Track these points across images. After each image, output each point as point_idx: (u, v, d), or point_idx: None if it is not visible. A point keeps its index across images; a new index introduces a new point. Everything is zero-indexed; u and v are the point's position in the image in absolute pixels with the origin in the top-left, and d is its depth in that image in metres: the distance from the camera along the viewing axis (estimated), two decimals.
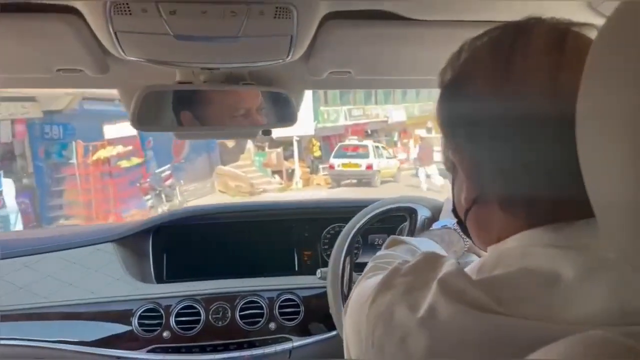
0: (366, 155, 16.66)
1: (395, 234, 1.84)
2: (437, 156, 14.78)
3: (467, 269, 0.54)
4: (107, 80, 1.11)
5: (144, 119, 1.08)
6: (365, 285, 0.59)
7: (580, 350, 0.37)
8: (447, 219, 1.29)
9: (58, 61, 0.98)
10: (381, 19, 0.88)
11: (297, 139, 17.36)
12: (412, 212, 1.62)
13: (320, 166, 18.85)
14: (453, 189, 0.61)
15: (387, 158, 17.73)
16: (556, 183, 0.48)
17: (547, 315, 0.44)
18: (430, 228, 1.34)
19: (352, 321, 0.57)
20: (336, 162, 16.86)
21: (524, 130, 0.48)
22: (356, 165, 16.55)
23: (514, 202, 0.52)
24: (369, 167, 16.49)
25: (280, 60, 0.96)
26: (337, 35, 0.91)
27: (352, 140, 18.49)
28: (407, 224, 1.70)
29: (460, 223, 0.62)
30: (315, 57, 1.01)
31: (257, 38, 0.86)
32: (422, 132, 24.06)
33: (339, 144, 18.09)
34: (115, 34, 0.82)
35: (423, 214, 1.60)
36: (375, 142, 19.10)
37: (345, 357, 0.61)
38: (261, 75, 1.13)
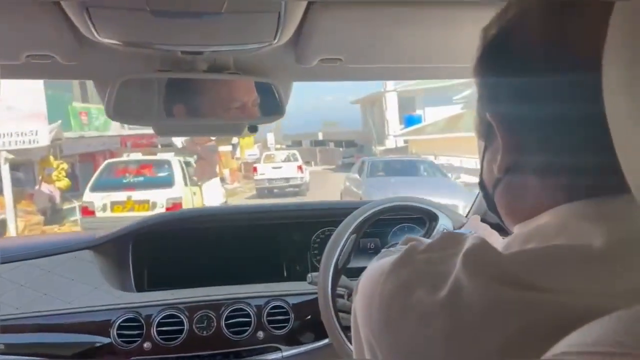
0: (165, 182, 9.44)
1: (387, 240, 1.79)
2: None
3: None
4: (80, 70, 1.04)
5: (120, 109, 1.01)
6: (379, 263, 0.53)
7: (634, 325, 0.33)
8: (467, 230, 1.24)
9: (27, 46, 0.90)
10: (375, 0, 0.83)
11: (9, 156, 9.27)
12: (433, 218, 1.56)
13: (76, 204, 10.93)
14: (483, 157, 0.57)
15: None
16: (604, 154, 0.43)
17: (588, 290, 0.40)
18: None
19: (362, 300, 0.52)
20: (97, 200, 9.17)
21: (575, 95, 0.45)
22: (143, 205, 9.01)
23: (557, 171, 0.48)
24: (176, 205, 8.89)
25: (267, 44, 0.90)
26: (328, 17, 0.85)
27: (134, 156, 11.14)
28: (420, 230, 1.63)
29: (487, 197, 0.58)
30: (303, 42, 0.94)
31: (242, 15, 0.80)
32: (226, 148, 23.45)
33: (107, 162, 10.69)
34: (87, 9, 0.75)
35: (444, 223, 1.54)
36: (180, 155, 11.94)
37: (353, 339, 0.56)
38: (246, 64, 1.06)
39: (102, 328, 1.44)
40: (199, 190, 10.19)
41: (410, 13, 0.86)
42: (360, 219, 1.38)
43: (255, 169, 18.42)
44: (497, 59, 0.52)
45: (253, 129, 1.24)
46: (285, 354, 1.49)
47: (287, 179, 17.50)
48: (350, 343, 1.24)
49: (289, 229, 1.71)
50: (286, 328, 1.50)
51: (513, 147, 0.51)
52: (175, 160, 10.19)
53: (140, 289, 1.57)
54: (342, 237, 1.35)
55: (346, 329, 1.28)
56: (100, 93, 1.11)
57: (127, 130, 14.44)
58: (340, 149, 38.86)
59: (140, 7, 0.74)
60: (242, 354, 1.48)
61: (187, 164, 10.49)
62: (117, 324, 1.43)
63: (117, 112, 1.01)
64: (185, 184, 9.78)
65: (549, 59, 0.47)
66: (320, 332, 1.45)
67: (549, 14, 0.48)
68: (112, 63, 1.00)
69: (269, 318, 1.50)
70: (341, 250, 1.34)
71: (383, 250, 0.83)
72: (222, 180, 19.63)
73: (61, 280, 1.51)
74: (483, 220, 1.25)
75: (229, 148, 25.16)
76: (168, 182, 9.54)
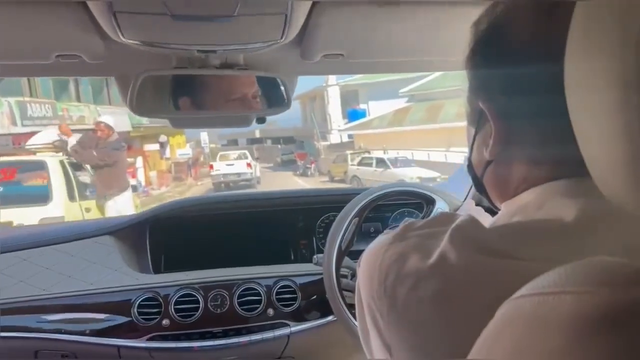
0: (37, 195, 6.26)
1: (387, 224, 1.88)
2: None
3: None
4: (104, 68, 1.13)
5: (141, 104, 1.11)
6: (380, 238, 0.60)
7: (580, 273, 0.36)
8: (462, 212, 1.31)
9: (57, 47, 1.00)
10: None
11: None
12: (430, 202, 1.63)
13: None
14: (473, 142, 0.62)
15: None
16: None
17: (559, 259, 0.41)
18: None
19: (365, 270, 0.58)
20: None
21: (558, 85, 0.46)
22: None
23: (541, 153, 0.53)
24: None
25: (275, 42, 0.99)
26: (330, 15, 0.94)
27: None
28: (418, 213, 1.70)
29: (476, 179, 0.63)
30: (307, 39, 1.03)
31: (252, 17, 0.89)
32: (152, 147, 21.12)
33: None
34: (114, 14, 0.85)
35: (440, 206, 1.62)
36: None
37: (357, 306, 0.62)
38: (255, 61, 1.15)
39: (123, 307, 1.54)
40: (95, 205, 6.62)
41: (404, 11, 0.95)
42: (362, 203, 1.47)
43: (211, 166, 21.55)
44: (488, 51, 0.56)
45: (261, 120, 1.34)
46: (293, 329, 1.59)
47: (238, 174, 20.71)
48: (354, 319, 1.33)
49: (295, 215, 1.81)
50: (294, 306, 1.60)
51: (504, 131, 0.55)
52: (54, 162, 6.60)
53: (157, 271, 1.67)
54: (345, 221, 1.44)
55: (350, 307, 1.37)
56: (121, 89, 1.21)
57: (21, 127, 12.08)
58: (279, 146, 37.49)
59: (162, 12, 0.83)
60: (253, 330, 1.57)
61: (76, 166, 6.83)
62: (137, 303, 1.53)
63: (138, 106, 1.11)
64: (72, 198, 6.52)
65: (534, 51, 0.51)
66: (325, 310, 1.55)
67: (535, 8, 0.52)
68: (133, 61, 1.09)
69: (277, 296, 1.60)
70: (344, 233, 1.43)
71: (384, 231, 0.92)
72: (148, 184, 18.48)
73: (84, 264, 1.61)
74: (477, 204, 1.33)
75: (155, 147, 22.34)
76: (42, 196, 6.28)
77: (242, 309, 1.57)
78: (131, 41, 0.94)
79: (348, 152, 22.84)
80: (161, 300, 1.54)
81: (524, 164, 0.55)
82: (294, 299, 1.61)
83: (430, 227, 0.55)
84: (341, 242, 1.42)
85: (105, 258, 1.62)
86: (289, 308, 1.60)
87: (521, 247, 0.47)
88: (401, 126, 23.55)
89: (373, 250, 0.58)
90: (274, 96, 1.23)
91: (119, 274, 1.60)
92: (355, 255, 1.36)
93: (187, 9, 0.85)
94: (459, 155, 15.22)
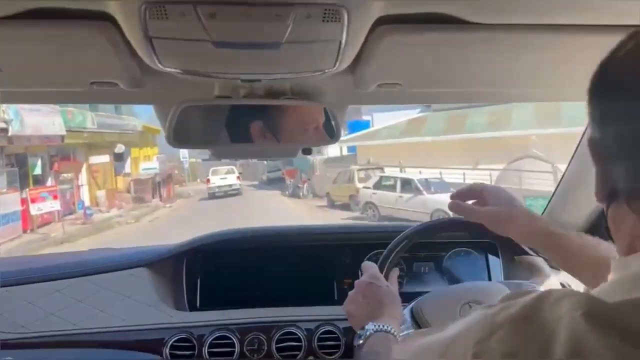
0: None
1: (442, 263, 1.72)
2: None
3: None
4: (142, 95, 1.06)
5: (180, 135, 1.03)
6: (434, 339, 0.49)
7: None
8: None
9: (92, 73, 0.93)
10: (439, 22, 0.80)
11: None
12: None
13: None
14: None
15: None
16: None
17: None
18: None
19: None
20: None
21: None
22: None
23: None
24: None
25: (326, 71, 0.89)
26: (389, 41, 0.83)
27: None
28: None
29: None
30: (363, 67, 0.92)
31: (302, 44, 0.79)
32: (100, 159, 18.33)
33: None
34: (150, 40, 0.76)
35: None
36: None
37: None
38: (303, 89, 1.05)
39: (155, 346, 1.45)
40: None
41: (475, 37, 0.83)
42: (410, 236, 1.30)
43: (208, 180, 24.91)
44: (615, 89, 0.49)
45: (307, 151, 1.24)
46: None
47: (230, 186, 24.63)
48: None
49: (340, 251, 1.68)
50: (337, 354, 1.47)
51: (608, 175, 0.49)
52: None
53: (192, 307, 1.58)
54: (393, 253, 1.29)
55: None
56: (160, 118, 1.13)
57: None
58: (264, 162, 33.77)
59: (202, 38, 0.74)
60: None
61: None
62: (170, 343, 1.44)
63: (176, 137, 1.02)
64: None
65: None
66: None
67: None
68: (172, 89, 1.01)
69: (319, 343, 1.47)
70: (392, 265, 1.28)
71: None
72: (95, 206, 16.30)
73: (117, 297, 1.53)
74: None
75: (104, 159, 18.85)
76: None
77: (280, 355, 1.46)
78: (169, 69, 0.86)
79: (354, 167, 18.64)
80: (195, 341, 1.44)
81: (633, 213, 0.48)
82: (337, 347, 1.48)
83: (523, 306, 0.43)
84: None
85: (139, 292, 1.54)
86: (332, 357, 1.47)
87: None
88: (419, 136, 19.45)
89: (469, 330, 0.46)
90: (324, 127, 1.13)
91: (153, 310, 1.52)
92: (405, 298, 1.22)
93: (230, 36, 0.75)
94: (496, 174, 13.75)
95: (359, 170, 17.93)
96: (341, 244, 1.70)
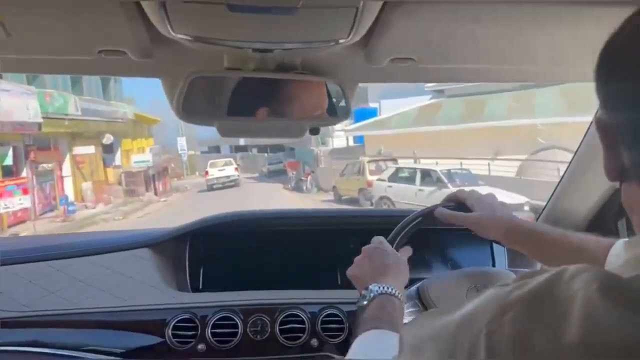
0: None
1: (446, 250, 1.71)
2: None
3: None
4: (150, 67, 1.03)
5: (189, 108, 1.01)
6: (442, 323, 0.47)
7: None
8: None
9: (101, 41, 0.90)
10: None
11: None
12: None
13: None
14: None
15: None
16: None
17: None
18: None
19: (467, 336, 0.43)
20: None
21: None
22: None
23: None
24: None
25: (340, 41, 0.87)
26: (404, 12, 0.81)
27: None
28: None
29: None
30: (375, 40, 0.91)
31: (317, 10, 0.77)
32: (85, 150, 16.02)
33: None
34: (164, 4, 0.74)
35: None
36: None
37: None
38: (314, 64, 1.03)
39: (157, 327, 1.44)
40: None
41: (492, 10, 0.81)
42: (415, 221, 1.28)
43: (207, 173, 26.19)
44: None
45: (315, 131, 1.21)
46: None
47: (228, 177, 25.92)
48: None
49: (344, 236, 1.66)
50: (340, 337, 1.46)
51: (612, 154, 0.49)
52: None
53: (195, 289, 1.56)
54: (399, 236, 1.26)
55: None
56: (168, 91, 1.11)
57: None
58: (265, 154, 34.11)
59: (217, 0, 0.73)
60: None
61: None
62: (173, 324, 1.43)
63: (185, 110, 1.00)
64: None
65: None
66: None
67: None
68: (181, 61, 0.99)
69: (323, 326, 1.46)
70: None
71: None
72: (80, 201, 14.69)
73: (119, 278, 1.52)
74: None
75: (89, 150, 16.60)
76: None
77: (283, 337, 1.44)
78: (181, 36, 0.84)
79: (364, 158, 17.27)
80: (198, 322, 1.43)
81: None
82: (341, 330, 1.46)
83: (536, 281, 0.42)
84: None
85: (141, 273, 1.53)
86: (335, 340, 1.45)
87: None
88: (432, 125, 17.92)
89: (448, 338, 0.45)
90: (332, 104, 1.11)
91: (155, 291, 1.50)
92: (412, 284, 1.21)
93: None
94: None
95: (370, 161, 16.59)
96: (345, 229, 1.68)
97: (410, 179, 13.19)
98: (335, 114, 1.12)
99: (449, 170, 12.96)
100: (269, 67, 1.01)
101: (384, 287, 0.93)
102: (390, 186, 13.51)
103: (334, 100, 1.11)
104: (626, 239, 0.75)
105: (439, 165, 13.74)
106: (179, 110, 0.99)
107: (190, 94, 1.00)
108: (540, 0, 0.78)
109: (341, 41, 0.87)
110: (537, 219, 1.62)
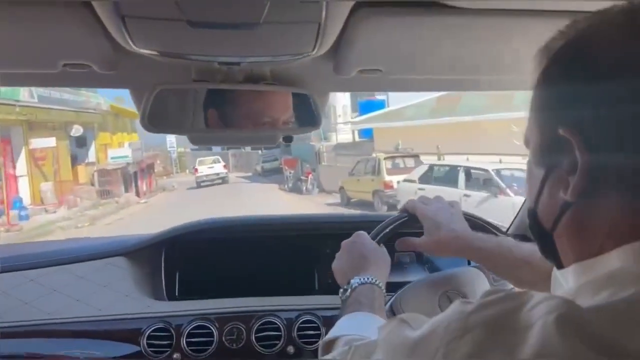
0: None
1: (422, 253, 1.71)
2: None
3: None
4: (116, 79, 1.03)
5: (155, 119, 1.00)
6: (405, 337, 0.48)
7: None
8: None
9: (64, 55, 0.90)
10: (421, 7, 0.78)
11: None
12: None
13: None
14: (544, 184, 0.51)
15: None
16: None
17: None
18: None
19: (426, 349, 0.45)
20: None
21: None
22: None
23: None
24: None
25: (306, 54, 0.87)
26: (369, 25, 0.81)
27: None
28: None
29: (542, 234, 0.52)
30: (342, 52, 0.91)
31: (280, 25, 0.77)
32: (46, 142, 12.97)
33: None
34: (123, 19, 0.74)
35: None
36: None
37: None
38: (283, 75, 1.03)
39: (132, 336, 1.43)
40: None
41: (457, 21, 0.82)
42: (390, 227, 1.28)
43: (196, 170, 27.16)
44: (578, 66, 0.48)
45: (288, 139, 1.22)
46: None
47: (217, 174, 27.03)
48: None
49: (321, 241, 1.66)
50: (317, 343, 1.46)
51: (594, 165, 0.45)
52: None
53: (171, 297, 1.55)
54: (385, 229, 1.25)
55: None
56: (136, 102, 1.10)
57: None
58: (259, 152, 30.51)
59: (176, 17, 0.72)
60: None
61: None
62: (147, 333, 1.42)
63: (152, 121, 1.00)
64: None
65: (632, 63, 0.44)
66: None
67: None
68: (148, 72, 0.98)
69: (299, 332, 1.46)
70: None
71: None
72: (37, 204, 12.16)
73: (94, 287, 1.50)
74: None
75: (50, 142, 13.51)
76: None
77: (259, 345, 1.44)
78: (144, 51, 0.84)
79: (380, 154, 14.65)
80: (173, 331, 1.42)
81: (616, 211, 0.45)
82: (317, 336, 1.46)
83: (498, 306, 0.43)
84: None
85: (116, 282, 1.51)
86: (312, 346, 1.46)
87: (630, 338, 0.37)
88: (453, 116, 15.42)
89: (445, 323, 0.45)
90: (303, 114, 1.11)
91: (130, 300, 1.49)
92: (390, 288, 1.20)
93: (205, 15, 0.73)
94: None
95: (387, 158, 14.12)
96: (323, 234, 1.68)
97: (449, 180, 10.67)
98: (305, 123, 1.12)
99: (497, 170, 10.14)
100: (237, 78, 1.01)
101: (364, 278, 0.95)
102: (422, 189, 10.71)
103: (305, 109, 1.11)
104: None
105: (469, 162, 11.52)
106: (146, 122, 0.99)
107: (159, 104, 0.99)
108: (502, 10, 0.79)
109: (307, 54, 0.87)
110: (508, 229, 1.63)
